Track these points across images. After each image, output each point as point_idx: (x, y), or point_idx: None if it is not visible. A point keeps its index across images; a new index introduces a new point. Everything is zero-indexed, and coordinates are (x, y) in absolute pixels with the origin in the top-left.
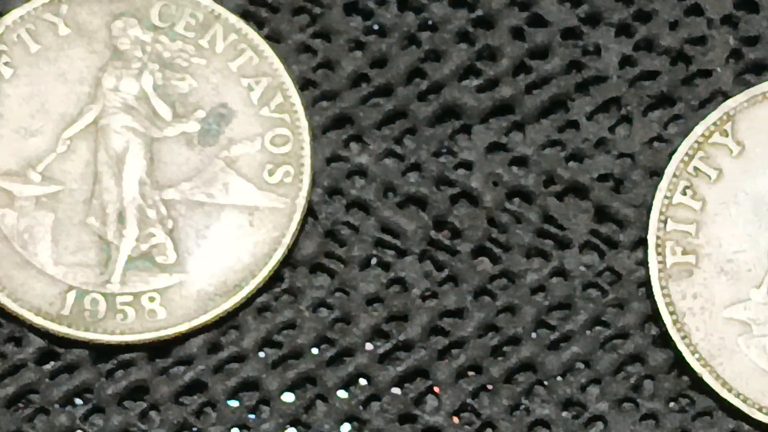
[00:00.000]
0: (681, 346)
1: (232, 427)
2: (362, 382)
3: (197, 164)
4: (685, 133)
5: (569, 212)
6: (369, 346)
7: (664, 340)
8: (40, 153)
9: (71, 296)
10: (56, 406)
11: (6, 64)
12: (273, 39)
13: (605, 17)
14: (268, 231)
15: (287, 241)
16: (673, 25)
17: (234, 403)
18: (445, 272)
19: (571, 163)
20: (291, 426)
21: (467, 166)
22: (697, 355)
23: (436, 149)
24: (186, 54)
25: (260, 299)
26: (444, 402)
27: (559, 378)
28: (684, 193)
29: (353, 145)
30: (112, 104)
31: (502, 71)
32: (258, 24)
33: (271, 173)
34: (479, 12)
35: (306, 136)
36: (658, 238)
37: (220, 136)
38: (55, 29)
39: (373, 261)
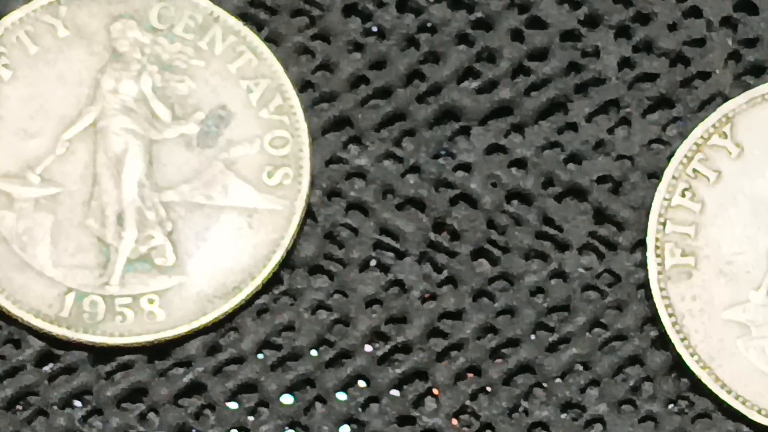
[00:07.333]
0: (680, 348)
1: (231, 428)
2: (361, 383)
3: (196, 166)
4: (684, 135)
5: (568, 214)
6: (368, 348)
7: (663, 341)
8: (39, 155)
9: (70, 298)
10: (55, 407)
11: (5, 66)
12: (272, 41)
13: (604, 19)
14: (267, 233)
15: (286, 243)
16: (672, 27)
17: (233, 405)
18: (444, 274)
19: (570, 165)
20: (290, 428)
21: (466, 167)
22: (696, 357)
23: (435, 151)
24: (185, 56)
25: (259, 301)
26: (443, 404)
27: (558, 380)
28: (683, 195)
29: (352, 147)
30: (111, 106)
31: (501, 73)
32: (257, 26)
33: (270, 175)
34: (478, 14)
35: (305, 138)
36: (657, 240)
37: (219, 138)
38: (54, 31)
39: (372, 263)
